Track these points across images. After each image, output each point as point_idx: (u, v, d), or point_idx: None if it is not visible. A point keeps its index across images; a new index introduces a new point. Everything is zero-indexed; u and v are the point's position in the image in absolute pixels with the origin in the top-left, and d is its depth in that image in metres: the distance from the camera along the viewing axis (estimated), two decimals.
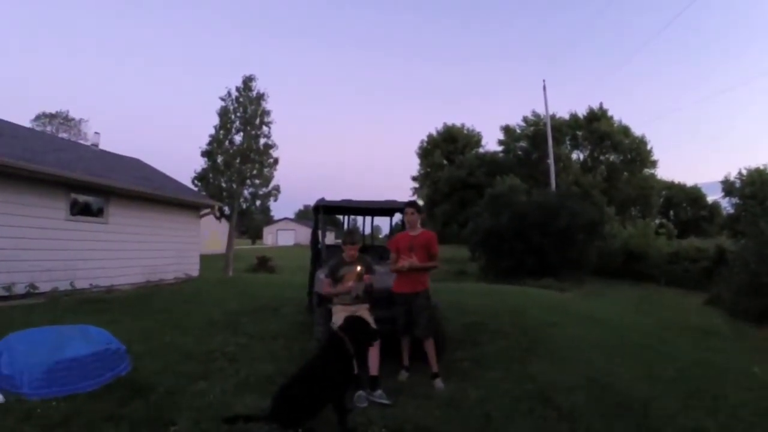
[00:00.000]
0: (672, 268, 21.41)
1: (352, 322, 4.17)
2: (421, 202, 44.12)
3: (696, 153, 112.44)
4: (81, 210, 10.89)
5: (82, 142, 23.27)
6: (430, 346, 5.04)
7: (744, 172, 47.00)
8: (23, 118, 47.67)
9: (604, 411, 4.22)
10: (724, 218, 49.43)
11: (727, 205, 49.65)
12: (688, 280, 19.78)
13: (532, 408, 4.21)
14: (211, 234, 27.80)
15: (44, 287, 9.44)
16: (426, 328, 5.07)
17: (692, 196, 54.06)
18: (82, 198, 10.92)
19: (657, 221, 41.63)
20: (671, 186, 53.89)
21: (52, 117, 47.06)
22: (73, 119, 48.18)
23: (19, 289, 9.01)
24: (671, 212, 54.43)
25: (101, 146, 16.56)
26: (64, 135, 41.35)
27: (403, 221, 8.91)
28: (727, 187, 48.20)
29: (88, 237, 10.91)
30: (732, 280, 12.18)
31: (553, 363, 5.74)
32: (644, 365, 5.85)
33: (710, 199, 53.55)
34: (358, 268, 5.02)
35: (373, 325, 4.72)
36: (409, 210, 5.46)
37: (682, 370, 5.74)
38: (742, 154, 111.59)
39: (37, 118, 45.83)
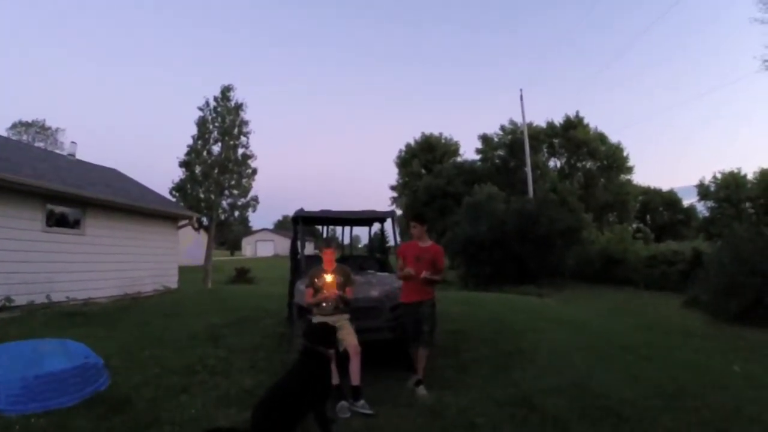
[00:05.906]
0: (650, 271, 21.63)
1: (315, 328, 4.15)
2: (399, 212, 44.30)
3: (671, 158, 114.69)
4: (57, 221, 10.69)
5: (58, 151, 22.86)
6: (423, 355, 5.10)
7: (718, 175, 48.45)
8: None
9: (587, 414, 4.27)
10: (700, 221, 50.56)
11: (702, 208, 51.09)
12: (666, 282, 20.01)
13: (515, 413, 4.25)
14: (187, 244, 27.39)
15: (20, 300, 9.22)
16: (428, 336, 5.15)
17: (668, 200, 55.17)
18: (58, 209, 10.72)
19: (634, 226, 42.26)
20: (647, 191, 54.67)
21: (28, 126, 46.33)
22: (49, 128, 47.54)
23: None
24: (648, 217, 55.27)
25: (78, 156, 16.32)
26: (41, 144, 40.74)
27: (381, 231, 9.08)
28: (702, 191, 49.43)
29: (64, 249, 10.70)
30: (709, 281, 12.40)
31: (535, 368, 5.79)
32: (626, 367, 5.93)
33: (686, 203, 55.05)
34: (338, 277, 5.02)
35: (354, 335, 4.73)
36: (412, 224, 5.61)
37: (664, 370, 5.82)
38: (717, 158, 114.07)
39: (13, 126, 45.12)
